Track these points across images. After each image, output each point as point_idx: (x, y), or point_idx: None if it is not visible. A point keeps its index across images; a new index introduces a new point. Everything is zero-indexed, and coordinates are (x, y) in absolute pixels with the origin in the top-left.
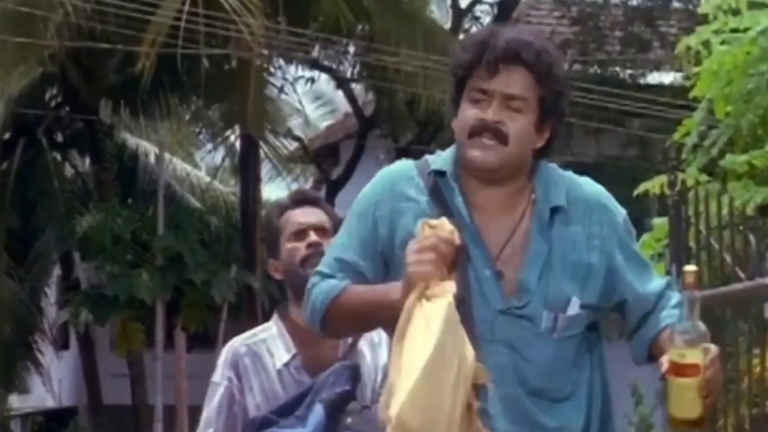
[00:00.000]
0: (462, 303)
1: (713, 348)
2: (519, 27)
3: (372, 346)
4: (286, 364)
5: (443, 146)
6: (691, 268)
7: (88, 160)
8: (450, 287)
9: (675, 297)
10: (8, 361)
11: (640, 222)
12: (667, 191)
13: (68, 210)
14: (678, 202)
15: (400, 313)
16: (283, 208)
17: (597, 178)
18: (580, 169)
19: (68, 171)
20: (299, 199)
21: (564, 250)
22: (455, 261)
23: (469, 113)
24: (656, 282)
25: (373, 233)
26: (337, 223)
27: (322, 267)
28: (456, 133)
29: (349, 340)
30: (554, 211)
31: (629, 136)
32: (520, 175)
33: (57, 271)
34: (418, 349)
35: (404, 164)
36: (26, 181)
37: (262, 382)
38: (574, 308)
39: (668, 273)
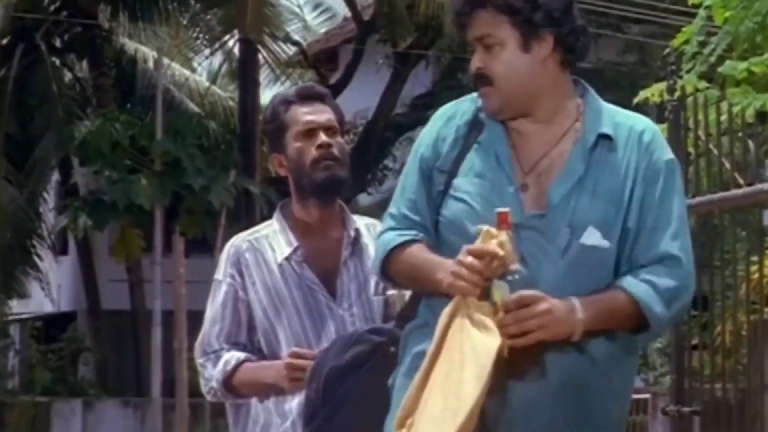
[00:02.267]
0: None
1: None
2: None
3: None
4: (288, 258)
5: (442, 51)
6: (503, 210)
7: (86, 66)
8: (494, 328)
9: (659, 275)
10: (7, 266)
11: None
12: (666, 98)
13: (67, 115)
14: (677, 109)
15: (441, 292)
16: (288, 102)
17: (596, 84)
18: (579, 75)
19: (67, 76)
20: (307, 95)
21: (601, 177)
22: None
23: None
24: (662, 246)
25: (427, 179)
26: (341, 119)
27: (391, 217)
28: None
29: (352, 233)
30: (600, 137)
31: (628, 42)
32: (544, 98)
33: (56, 176)
34: (467, 384)
35: (466, 98)
36: (25, 86)
37: (263, 276)
38: (591, 238)
39: None
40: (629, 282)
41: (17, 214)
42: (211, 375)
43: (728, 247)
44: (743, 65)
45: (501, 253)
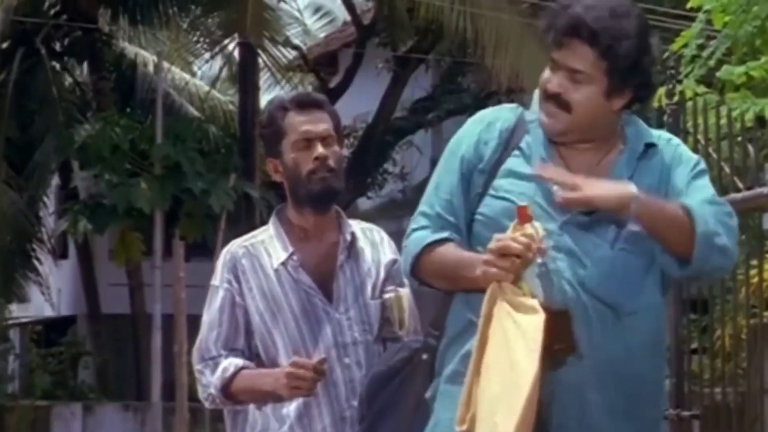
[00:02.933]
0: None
1: None
2: (611, 6)
3: (373, 245)
4: (284, 263)
5: (443, 55)
6: (522, 204)
7: (86, 70)
8: (536, 305)
9: (712, 212)
10: (7, 270)
11: None
12: (665, 102)
13: (67, 119)
14: (676, 113)
15: (478, 288)
16: (286, 108)
17: None
18: None
19: (67, 80)
20: (304, 102)
21: (643, 178)
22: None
23: (543, 76)
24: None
25: (466, 181)
26: (338, 125)
27: (423, 215)
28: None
29: (348, 237)
30: (647, 146)
31: None
32: (601, 134)
33: (56, 180)
34: (521, 361)
35: (505, 107)
36: (25, 90)
37: (260, 282)
38: (635, 225)
39: None
40: (685, 199)
41: (17, 217)
42: (210, 381)
43: None
44: (741, 69)
45: (523, 240)
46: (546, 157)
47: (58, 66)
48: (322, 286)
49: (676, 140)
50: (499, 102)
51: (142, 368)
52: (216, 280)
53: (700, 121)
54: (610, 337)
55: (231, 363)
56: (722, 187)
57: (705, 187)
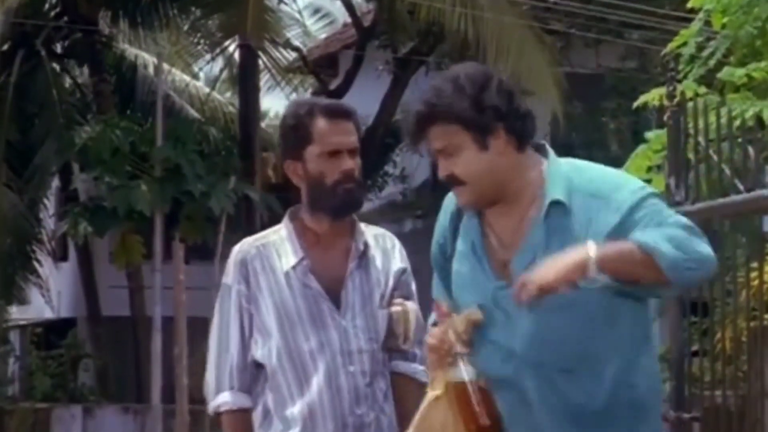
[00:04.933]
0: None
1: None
2: (422, 94)
3: (385, 252)
4: (293, 267)
5: (443, 57)
6: (439, 301)
7: (87, 72)
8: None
9: (665, 227)
10: (7, 272)
11: (639, 134)
12: (665, 103)
13: (67, 121)
14: (677, 114)
15: None
16: (315, 113)
17: (596, 90)
18: (580, 80)
19: (67, 82)
20: (336, 111)
21: (560, 240)
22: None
23: None
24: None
25: (443, 273)
26: (360, 134)
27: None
28: None
29: (361, 246)
30: (554, 204)
31: (628, 48)
32: (510, 182)
33: (56, 182)
34: None
35: None
36: (25, 93)
37: (270, 284)
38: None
39: (667, 186)
40: (634, 234)
41: (18, 220)
42: (211, 400)
43: (728, 253)
44: (741, 71)
45: (431, 342)
46: (475, 240)
47: (58, 68)
48: (330, 292)
49: (594, 190)
50: None
51: (142, 371)
52: (228, 279)
53: (701, 122)
54: (563, 391)
55: (231, 398)
56: (722, 188)
57: (648, 215)
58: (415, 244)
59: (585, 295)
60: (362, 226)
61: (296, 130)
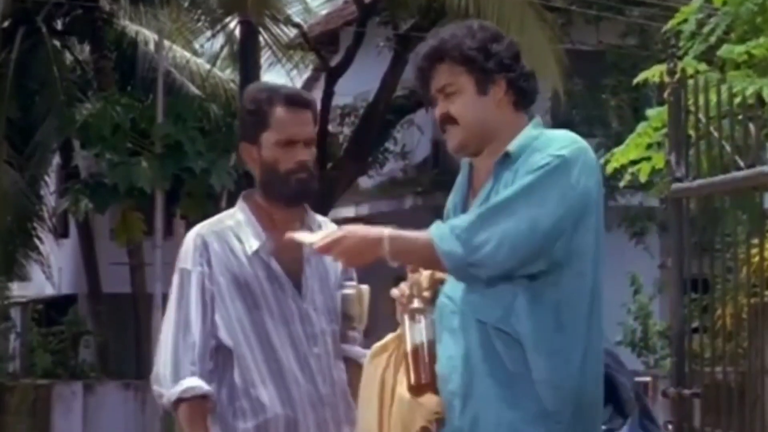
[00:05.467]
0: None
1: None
2: (437, 32)
3: None
4: (256, 251)
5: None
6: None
7: (87, 49)
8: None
9: (463, 220)
10: (8, 249)
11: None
12: (666, 80)
13: (68, 98)
14: (677, 91)
15: None
16: (275, 100)
17: (597, 67)
18: (580, 57)
19: (68, 59)
20: (296, 101)
21: (498, 191)
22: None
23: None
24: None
25: None
26: (317, 120)
27: None
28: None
29: (315, 229)
30: (505, 155)
31: (629, 25)
32: (495, 135)
33: (57, 159)
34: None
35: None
36: (26, 70)
37: (232, 268)
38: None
39: (667, 162)
40: (433, 226)
41: (18, 197)
42: (164, 392)
43: (729, 230)
44: (741, 48)
45: (395, 293)
46: (463, 193)
47: (59, 45)
48: (290, 275)
49: (535, 146)
50: None
51: (143, 347)
52: (188, 263)
53: (701, 99)
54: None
55: (188, 384)
56: (723, 165)
57: (503, 198)
58: (416, 221)
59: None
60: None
61: (254, 114)
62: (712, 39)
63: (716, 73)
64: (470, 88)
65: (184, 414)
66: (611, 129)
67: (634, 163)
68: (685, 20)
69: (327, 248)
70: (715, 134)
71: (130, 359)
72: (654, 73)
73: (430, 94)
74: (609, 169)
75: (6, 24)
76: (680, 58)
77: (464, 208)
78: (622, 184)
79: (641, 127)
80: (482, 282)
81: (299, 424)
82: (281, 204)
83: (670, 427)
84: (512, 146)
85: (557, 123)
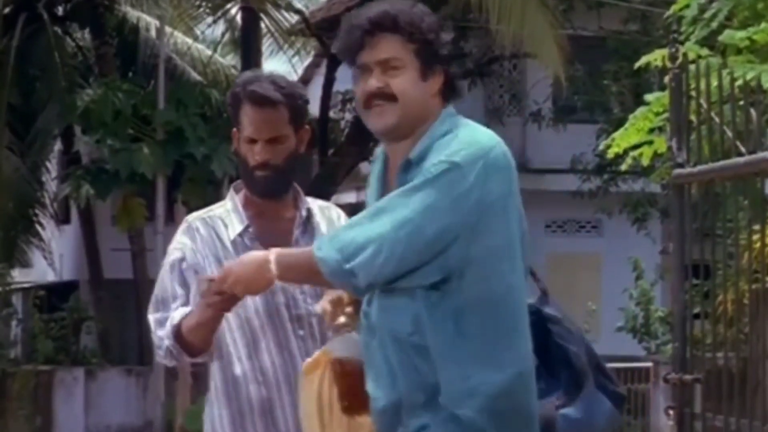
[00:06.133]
0: None
1: None
2: (381, 3)
3: (330, 222)
4: (240, 235)
5: (445, 20)
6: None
7: (88, 35)
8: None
9: (343, 227)
10: (9, 235)
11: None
12: (668, 65)
13: (69, 85)
14: (679, 76)
15: None
16: (242, 97)
17: (598, 53)
18: (582, 43)
19: (69, 46)
20: (259, 100)
21: None
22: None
23: (358, 89)
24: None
25: None
26: (297, 113)
27: None
28: (357, 110)
29: (304, 213)
30: (407, 163)
31: (631, 11)
32: (421, 124)
33: (58, 145)
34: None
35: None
36: (27, 56)
37: (216, 251)
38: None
39: (669, 148)
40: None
41: (20, 183)
42: (162, 335)
43: (730, 215)
44: (742, 34)
45: (317, 308)
46: (376, 188)
47: (60, 31)
48: None
49: (433, 150)
50: (501, 67)
51: (145, 333)
52: (173, 245)
53: (703, 84)
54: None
55: (178, 312)
56: (724, 151)
57: (386, 203)
58: None
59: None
60: (308, 198)
61: (231, 108)
62: (714, 24)
63: (718, 58)
64: (415, 70)
65: (188, 328)
66: (613, 115)
67: (635, 147)
68: (687, 5)
69: (221, 282)
70: (717, 120)
71: (131, 345)
72: (656, 57)
73: (358, 62)
74: (610, 154)
75: (7, 10)
76: (682, 43)
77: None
78: (623, 167)
79: (641, 111)
80: (361, 290)
81: (274, 402)
82: (255, 196)
83: (671, 412)
84: (414, 153)
85: (558, 108)
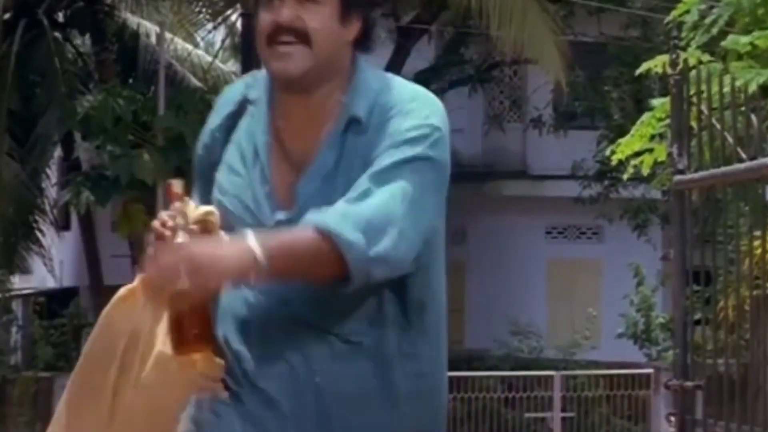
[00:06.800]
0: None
1: None
2: None
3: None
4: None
5: (446, 26)
6: (175, 181)
7: (89, 41)
8: None
9: (357, 203)
10: (9, 241)
11: (642, 103)
12: (669, 71)
13: (69, 90)
14: (680, 82)
15: None
16: None
17: (598, 58)
18: (582, 48)
19: (69, 51)
20: None
21: (351, 166)
22: None
23: (263, 18)
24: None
25: (208, 183)
26: None
27: None
28: (257, 46)
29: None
30: (352, 121)
31: (631, 16)
32: (333, 76)
33: (58, 151)
34: None
35: (240, 80)
36: (27, 62)
37: None
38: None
39: (669, 154)
40: (315, 217)
41: (20, 189)
42: None
43: (731, 221)
44: (746, 39)
45: (156, 224)
46: (259, 143)
47: (60, 37)
48: None
49: (393, 105)
50: (501, 73)
51: None
52: None
53: (704, 89)
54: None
55: None
56: (725, 157)
57: (386, 157)
58: None
59: None
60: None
61: None
62: (714, 30)
63: (719, 63)
64: (334, 10)
65: None
66: (613, 121)
67: (636, 155)
68: (687, 11)
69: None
70: (718, 126)
71: None
72: (656, 63)
73: None
74: (614, 160)
75: (7, 16)
76: (683, 49)
77: (264, 171)
78: (625, 176)
79: (646, 117)
80: (372, 282)
81: None
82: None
83: (672, 419)
84: (358, 110)
85: (559, 114)
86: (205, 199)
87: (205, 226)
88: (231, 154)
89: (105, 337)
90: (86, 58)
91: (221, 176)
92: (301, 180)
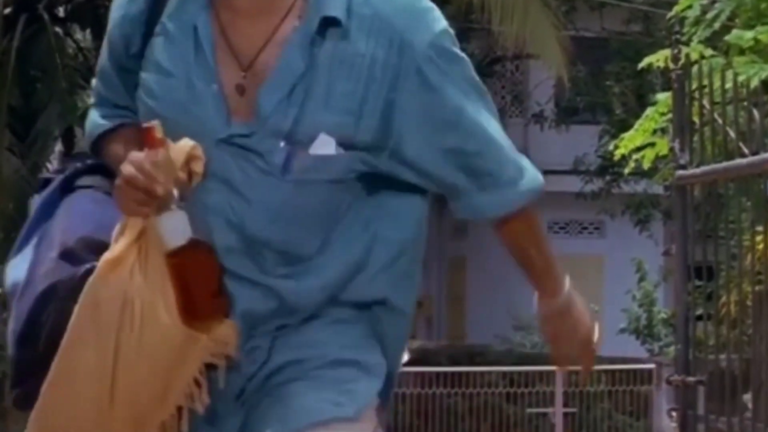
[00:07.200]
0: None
1: None
2: None
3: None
4: None
5: (448, 20)
6: (151, 124)
7: (89, 36)
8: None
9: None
10: (9, 237)
11: (643, 98)
12: (671, 65)
13: (70, 86)
14: (682, 77)
15: None
16: None
17: (600, 53)
18: (584, 43)
19: (70, 47)
20: None
21: (333, 76)
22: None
23: None
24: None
25: (121, 71)
26: None
27: (96, 94)
28: None
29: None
30: (326, 22)
31: (633, 11)
32: None
33: (58, 147)
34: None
35: None
36: (27, 57)
37: None
38: (323, 147)
39: (671, 149)
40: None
41: (20, 184)
42: None
43: (733, 216)
44: (750, 34)
45: (147, 169)
46: (203, 36)
47: (61, 32)
48: None
49: (389, 10)
50: (503, 68)
51: None
52: None
53: (706, 84)
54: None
55: None
56: (727, 152)
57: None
58: None
59: (334, 171)
60: None
61: None
62: (716, 25)
63: (721, 58)
64: None
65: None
66: (615, 116)
67: (638, 149)
68: (690, 6)
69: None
70: (720, 121)
71: None
72: (658, 58)
73: None
74: (617, 155)
75: (7, 11)
76: (685, 44)
77: (198, 52)
78: (626, 171)
79: (650, 111)
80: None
81: None
82: None
83: (674, 414)
84: (332, 8)
85: (561, 110)
86: (117, 85)
87: (193, 163)
88: (158, 51)
89: (93, 315)
90: (87, 53)
91: (149, 77)
92: (262, 87)
